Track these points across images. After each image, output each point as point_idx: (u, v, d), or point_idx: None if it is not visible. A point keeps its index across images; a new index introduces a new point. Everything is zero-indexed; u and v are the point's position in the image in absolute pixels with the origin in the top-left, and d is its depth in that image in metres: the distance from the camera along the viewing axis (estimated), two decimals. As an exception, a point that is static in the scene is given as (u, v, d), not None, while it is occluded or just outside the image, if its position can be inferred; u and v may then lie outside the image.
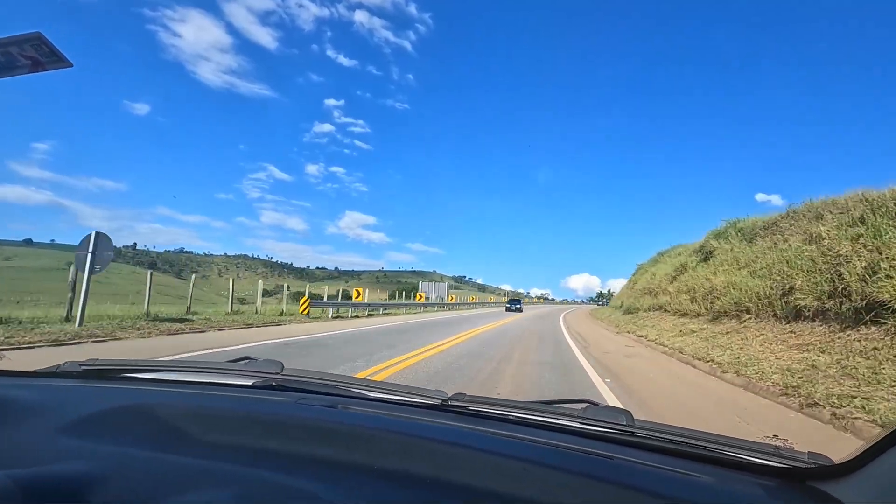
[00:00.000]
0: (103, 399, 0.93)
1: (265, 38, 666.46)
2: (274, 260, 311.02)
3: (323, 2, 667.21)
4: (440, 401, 1.03)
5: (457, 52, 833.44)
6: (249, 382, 1.14)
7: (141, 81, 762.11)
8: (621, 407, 1.05)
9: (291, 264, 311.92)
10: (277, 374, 1.16)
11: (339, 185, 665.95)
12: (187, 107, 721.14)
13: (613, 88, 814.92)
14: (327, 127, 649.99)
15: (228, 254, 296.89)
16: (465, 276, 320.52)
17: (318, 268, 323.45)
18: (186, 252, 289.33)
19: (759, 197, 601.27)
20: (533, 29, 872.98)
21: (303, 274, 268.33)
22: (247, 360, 1.29)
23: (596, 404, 1.03)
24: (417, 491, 0.64)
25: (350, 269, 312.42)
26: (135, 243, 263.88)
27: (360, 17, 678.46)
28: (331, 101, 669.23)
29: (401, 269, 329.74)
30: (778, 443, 1.10)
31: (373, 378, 4.61)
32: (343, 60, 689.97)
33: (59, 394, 0.99)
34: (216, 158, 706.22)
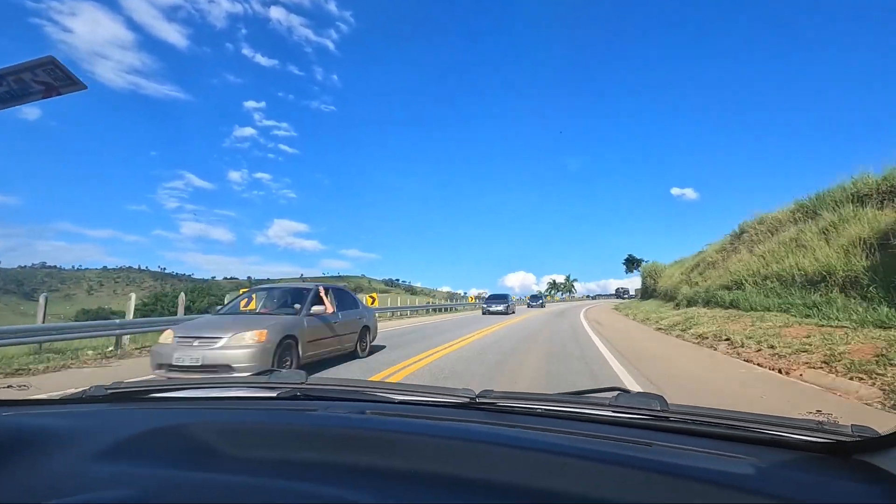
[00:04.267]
0: (135, 422, 0.91)
1: (173, 35, 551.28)
2: (167, 271, 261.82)
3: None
4: (468, 399, 1.03)
5: (381, 51, 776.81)
6: (274, 394, 1.15)
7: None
8: (654, 392, 1.06)
9: (191, 275, 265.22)
10: (302, 384, 1.17)
11: (265, 192, 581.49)
12: (86, 110, 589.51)
13: (545, 81, 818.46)
14: (249, 131, 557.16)
15: (108, 267, 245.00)
16: (397, 280, 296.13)
17: (227, 278, 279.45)
18: (49, 267, 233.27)
19: (675, 191, 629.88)
20: (455, 27, 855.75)
21: (206, 285, 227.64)
22: (270, 373, 1.33)
23: (626, 391, 1.03)
24: (456, 493, 0.63)
25: (268, 277, 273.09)
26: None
27: (276, 13, 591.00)
28: (251, 104, 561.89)
29: (325, 276, 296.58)
30: (821, 418, 1.00)
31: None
32: (261, 60, 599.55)
33: (91, 419, 0.98)
34: (124, 166, 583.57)
